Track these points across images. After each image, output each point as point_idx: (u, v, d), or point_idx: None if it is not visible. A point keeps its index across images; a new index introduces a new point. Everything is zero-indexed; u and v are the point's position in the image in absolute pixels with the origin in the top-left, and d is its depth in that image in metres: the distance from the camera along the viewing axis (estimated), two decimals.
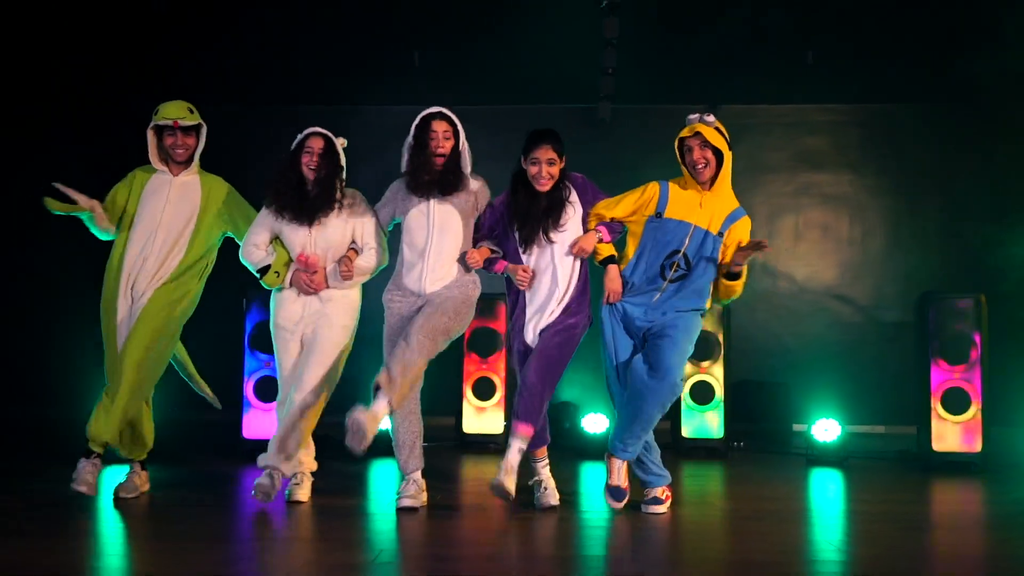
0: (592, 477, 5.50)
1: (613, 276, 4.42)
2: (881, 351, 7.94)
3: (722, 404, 6.25)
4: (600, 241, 4.43)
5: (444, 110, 4.51)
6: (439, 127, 4.46)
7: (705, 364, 6.26)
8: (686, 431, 6.31)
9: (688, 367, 6.29)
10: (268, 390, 5.82)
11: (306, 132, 4.58)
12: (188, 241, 4.64)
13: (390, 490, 4.90)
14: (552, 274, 4.44)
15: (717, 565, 3.61)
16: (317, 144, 4.51)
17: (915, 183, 8.17)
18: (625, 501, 4.39)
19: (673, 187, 4.39)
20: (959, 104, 8.01)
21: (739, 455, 6.38)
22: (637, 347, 4.41)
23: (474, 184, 4.55)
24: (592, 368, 7.58)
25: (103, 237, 4.71)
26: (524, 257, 4.49)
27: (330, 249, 4.53)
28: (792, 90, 8.04)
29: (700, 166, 4.26)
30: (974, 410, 5.71)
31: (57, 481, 4.73)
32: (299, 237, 4.53)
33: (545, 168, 4.38)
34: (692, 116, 4.30)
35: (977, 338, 5.75)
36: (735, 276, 4.32)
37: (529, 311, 4.48)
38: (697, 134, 4.24)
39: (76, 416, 6.15)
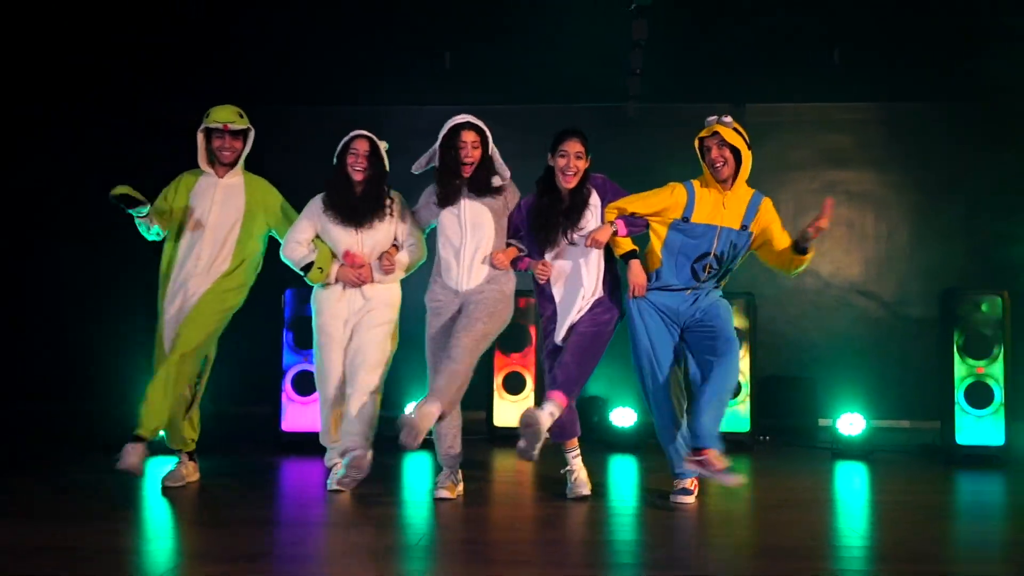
0: (621, 469, 5.63)
1: (636, 271, 4.57)
2: (905, 346, 8.02)
3: (749, 398, 6.35)
4: (616, 234, 4.53)
5: (471, 118, 4.61)
6: (468, 137, 4.59)
7: None
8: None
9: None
10: (305, 384, 5.97)
11: (351, 135, 4.72)
12: (235, 242, 4.82)
13: (424, 480, 5.06)
14: (577, 274, 4.58)
15: (745, 550, 3.75)
16: (362, 146, 4.69)
17: (938, 180, 8.22)
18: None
19: (698, 189, 4.55)
20: (981, 102, 8.08)
21: (765, 448, 6.48)
22: (674, 337, 4.57)
23: (505, 187, 4.70)
24: (620, 362, 7.69)
25: (150, 237, 4.87)
26: (547, 257, 4.62)
27: (376, 248, 4.71)
28: (817, 89, 8.12)
29: (719, 164, 4.44)
30: (997, 404, 5.80)
31: (104, 471, 4.92)
32: (346, 237, 4.69)
33: (573, 161, 4.53)
34: (711, 118, 4.50)
35: (1000, 333, 5.84)
36: (804, 251, 4.45)
37: (559, 312, 4.61)
38: (715, 134, 4.43)
39: (121, 409, 6.37)
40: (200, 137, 4.84)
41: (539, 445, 4.34)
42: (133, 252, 8.15)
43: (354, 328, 4.72)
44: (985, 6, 6.63)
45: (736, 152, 4.44)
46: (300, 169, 7.02)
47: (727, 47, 7.27)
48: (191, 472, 4.96)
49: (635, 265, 4.57)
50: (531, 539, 3.97)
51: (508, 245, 4.67)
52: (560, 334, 4.59)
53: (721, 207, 4.48)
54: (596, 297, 4.59)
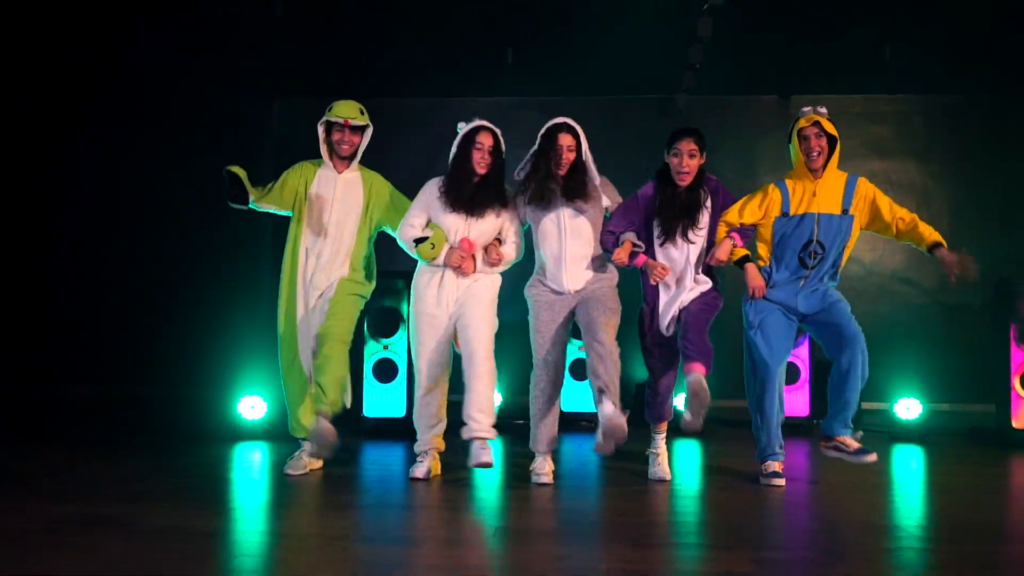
0: (685, 453, 5.85)
1: (754, 273, 4.76)
2: (949, 332, 8.23)
3: (808, 384, 6.57)
4: (734, 247, 4.73)
5: (569, 121, 4.76)
6: (564, 140, 4.72)
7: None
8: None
9: None
10: (386, 371, 6.19)
11: (474, 125, 4.77)
12: (355, 236, 4.98)
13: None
14: (684, 274, 4.75)
15: (809, 530, 3.98)
16: (488, 141, 4.74)
17: (977, 170, 8.44)
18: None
19: (790, 184, 4.76)
20: (1013, 94, 8.30)
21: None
22: (792, 327, 4.81)
23: (600, 184, 4.84)
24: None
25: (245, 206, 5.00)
26: (660, 252, 4.77)
27: (480, 238, 4.81)
28: (861, 81, 8.29)
29: (816, 153, 4.65)
30: None
31: (194, 455, 5.14)
32: (457, 224, 4.76)
33: (686, 160, 4.71)
34: (806, 108, 4.72)
35: None
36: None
37: (664, 306, 4.78)
38: (816, 123, 4.64)
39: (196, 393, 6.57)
40: (320, 129, 4.99)
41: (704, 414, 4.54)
42: (196, 241, 8.53)
43: (461, 311, 4.76)
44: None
45: (831, 141, 4.67)
46: (369, 156, 7.22)
47: (777, 41, 7.44)
48: (313, 461, 5.05)
49: (751, 269, 4.76)
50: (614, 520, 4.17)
51: (622, 239, 4.72)
52: (665, 323, 4.77)
53: (813, 196, 4.68)
54: (698, 293, 4.77)
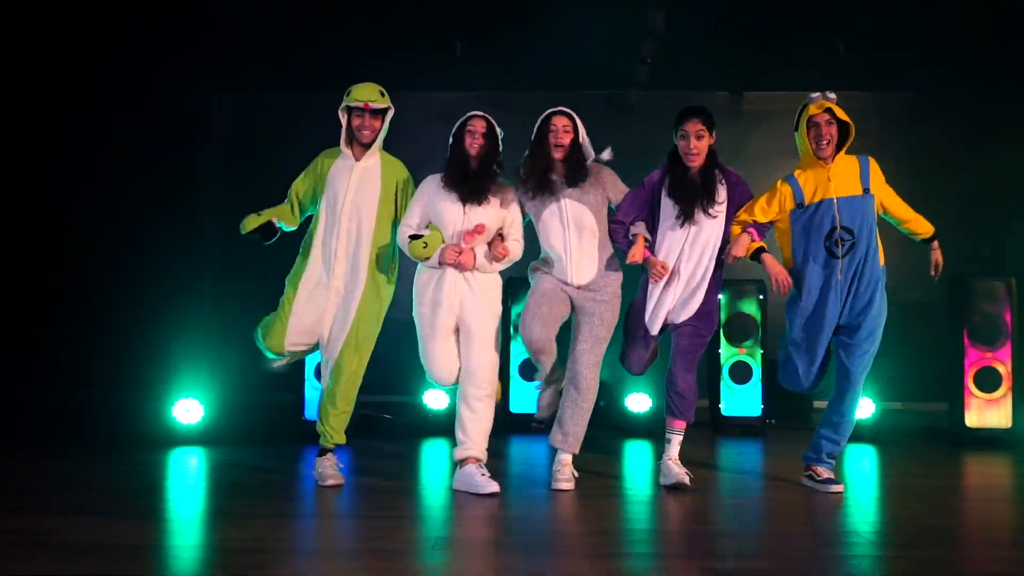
0: (637, 456, 5.72)
1: (771, 261, 4.54)
2: (905, 331, 8.16)
3: (760, 383, 6.47)
4: (752, 241, 4.59)
5: (564, 108, 4.72)
6: (559, 122, 4.66)
7: (745, 345, 6.48)
8: (725, 409, 6.54)
9: (727, 348, 6.52)
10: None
11: (469, 115, 4.73)
12: (374, 226, 4.66)
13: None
14: (695, 263, 4.64)
15: (758, 535, 3.85)
16: (480, 125, 4.66)
17: (933, 169, 8.40)
18: None
19: (800, 175, 4.57)
20: (973, 93, 8.27)
21: (774, 432, 6.60)
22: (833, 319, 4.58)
23: (599, 172, 4.73)
24: None
25: (289, 229, 4.81)
26: (678, 232, 4.63)
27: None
28: (813, 77, 8.22)
29: (826, 141, 4.46)
30: (1004, 388, 5.97)
31: (127, 462, 4.90)
32: (455, 214, 4.58)
33: (694, 141, 4.60)
34: (814, 95, 4.48)
35: (1008, 319, 6.01)
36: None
37: (667, 297, 4.68)
38: (828, 110, 4.45)
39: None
40: (342, 116, 4.71)
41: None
42: (132, 240, 8.24)
43: (462, 316, 4.61)
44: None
45: (840, 129, 4.51)
46: (319, 152, 6.97)
47: (729, 36, 7.35)
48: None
49: (768, 258, 4.55)
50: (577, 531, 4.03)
51: (633, 233, 4.66)
52: (657, 325, 4.71)
53: (827, 181, 4.49)
54: (705, 294, 4.67)
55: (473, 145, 4.64)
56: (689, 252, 4.63)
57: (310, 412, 5.99)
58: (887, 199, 4.60)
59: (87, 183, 8.36)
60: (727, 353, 6.52)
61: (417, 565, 3.40)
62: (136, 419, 6.52)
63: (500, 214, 4.65)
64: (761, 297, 6.54)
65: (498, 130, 4.72)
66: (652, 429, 6.37)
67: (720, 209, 4.63)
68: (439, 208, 4.61)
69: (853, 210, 4.46)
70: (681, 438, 4.76)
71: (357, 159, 4.70)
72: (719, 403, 6.55)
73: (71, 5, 6.71)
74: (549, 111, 4.71)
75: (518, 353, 6.52)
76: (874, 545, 3.68)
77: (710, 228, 4.63)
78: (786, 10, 6.83)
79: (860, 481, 5.04)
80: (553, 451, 4.76)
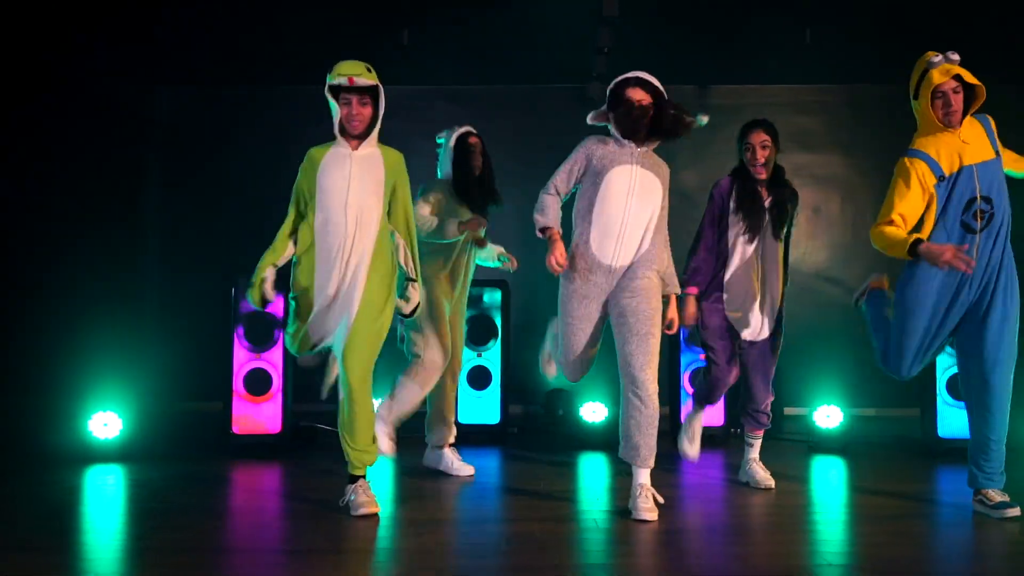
0: (592, 468, 5.37)
1: (935, 248, 3.97)
2: None
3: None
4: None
5: (643, 75, 4.22)
6: (635, 96, 4.17)
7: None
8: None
9: (688, 356, 6.18)
10: (258, 384, 5.61)
11: (463, 131, 4.96)
12: (378, 221, 4.21)
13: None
14: (771, 276, 4.64)
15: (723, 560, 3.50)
16: (478, 143, 4.97)
17: None
18: None
19: (930, 148, 4.10)
20: None
21: (738, 442, 6.26)
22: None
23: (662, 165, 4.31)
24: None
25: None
26: (749, 247, 4.57)
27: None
28: (783, 71, 7.92)
29: (955, 110, 4.03)
30: None
31: (38, 482, 4.52)
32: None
33: (759, 152, 4.61)
34: (936, 58, 4.01)
35: None
36: None
37: (757, 303, 4.66)
38: (956, 77, 4.00)
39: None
40: (331, 99, 4.20)
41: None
42: (55, 241, 7.83)
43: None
44: None
45: (966, 94, 4.07)
46: (267, 148, 6.63)
47: (692, 27, 7.03)
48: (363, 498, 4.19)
49: (927, 247, 4.00)
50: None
51: (686, 289, 4.59)
52: (753, 330, 4.71)
53: (962, 145, 4.05)
54: (781, 306, 4.77)
55: (478, 164, 4.93)
56: (760, 268, 4.64)
57: (239, 424, 5.58)
58: (1007, 156, 4.15)
59: (20, 177, 7.94)
60: (686, 360, 6.18)
61: None
62: (50, 433, 5.99)
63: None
64: None
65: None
66: (609, 441, 6.02)
67: (784, 237, 4.68)
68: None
69: (992, 177, 4.02)
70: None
71: (353, 149, 4.22)
72: (680, 413, 6.20)
73: None
74: (622, 80, 4.21)
75: (467, 359, 6.16)
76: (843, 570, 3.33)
77: (781, 243, 4.67)
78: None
79: (826, 499, 4.67)
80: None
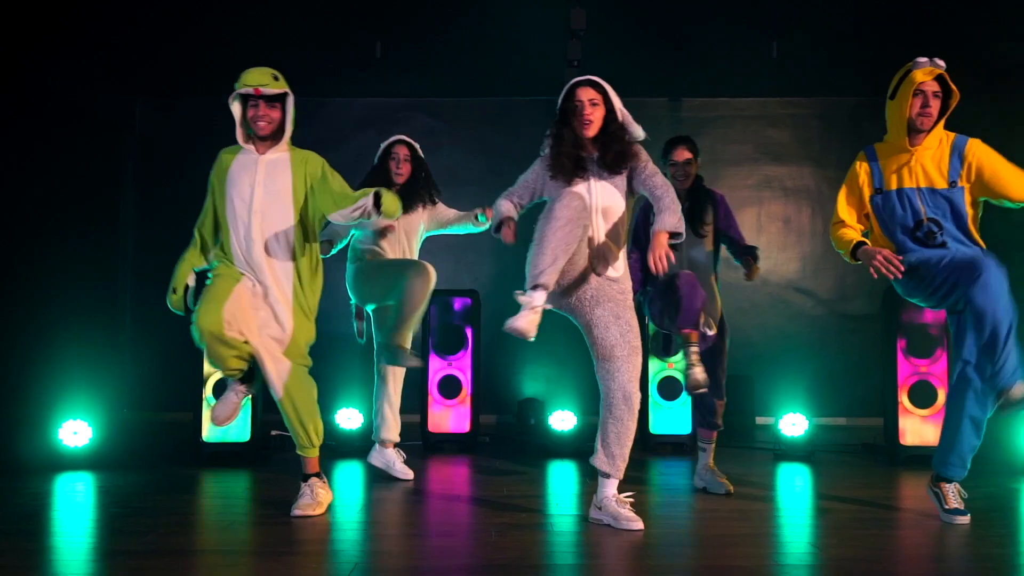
0: (561, 476, 5.42)
1: (869, 250, 4.00)
2: (844, 343, 7.99)
3: (690, 400, 6.20)
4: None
5: (592, 77, 4.10)
6: (584, 95, 4.05)
7: (672, 360, 6.21)
8: (654, 427, 6.26)
9: (655, 363, 6.25)
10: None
11: (392, 140, 5.17)
12: (292, 227, 4.16)
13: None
14: (704, 272, 4.78)
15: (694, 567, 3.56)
16: (403, 151, 5.14)
17: None
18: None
19: (882, 155, 4.09)
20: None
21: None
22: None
23: (637, 150, 4.14)
24: (557, 363, 7.56)
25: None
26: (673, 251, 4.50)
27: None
28: (753, 84, 8.02)
29: (929, 116, 3.94)
30: (940, 403, 5.73)
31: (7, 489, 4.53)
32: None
33: (683, 167, 4.82)
34: (922, 60, 3.91)
35: (940, 333, 5.77)
36: None
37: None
38: (939, 78, 3.91)
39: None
40: (235, 108, 4.13)
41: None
42: (30, 248, 7.85)
43: None
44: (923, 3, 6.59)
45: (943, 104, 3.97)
46: None
47: (664, 40, 7.13)
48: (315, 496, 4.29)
49: (863, 250, 4.04)
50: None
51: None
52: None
53: (914, 165, 4.00)
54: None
55: (398, 171, 5.12)
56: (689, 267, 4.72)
57: (209, 433, 5.61)
58: (1000, 179, 3.96)
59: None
60: (654, 369, 6.25)
61: None
62: (17, 441, 5.97)
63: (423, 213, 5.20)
64: None
65: (419, 151, 5.20)
66: (579, 449, 6.09)
67: (708, 229, 4.82)
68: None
69: (941, 205, 3.98)
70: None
71: (261, 154, 4.17)
72: (648, 421, 6.26)
73: None
74: (572, 83, 4.10)
75: (437, 368, 6.22)
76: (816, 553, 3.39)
77: (705, 238, 4.81)
78: (713, 10, 6.62)
79: (791, 510, 4.73)
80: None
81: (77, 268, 7.38)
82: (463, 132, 8.16)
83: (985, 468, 5.02)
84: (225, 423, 4.26)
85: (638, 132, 4.14)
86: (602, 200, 4.05)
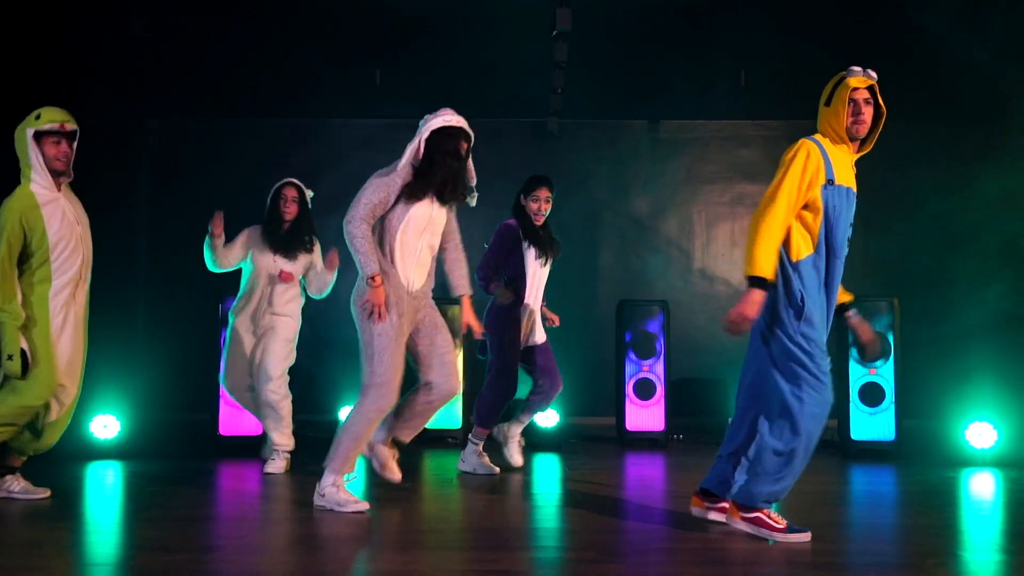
0: (544, 467, 5.97)
1: (758, 300, 3.82)
2: None
3: (664, 399, 6.76)
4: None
5: (464, 126, 4.52)
6: (465, 147, 4.51)
7: (648, 362, 6.76)
8: (631, 425, 6.81)
9: (632, 365, 6.80)
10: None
11: (281, 183, 5.64)
12: (91, 255, 4.62)
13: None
14: (540, 294, 5.67)
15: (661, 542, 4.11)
16: (291, 193, 5.62)
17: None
18: None
19: (826, 144, 3.96)
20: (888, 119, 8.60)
21: (678, 446, 6.88)
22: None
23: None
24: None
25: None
26: (537, 266, 5.55)
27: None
28: (725, 108, 8.58)
29: (863, 123, 3.90)
30: (888, 403, 6.29)
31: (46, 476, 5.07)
32: (267, 263, 5.66)
33: (543, 205, 5.50)
34: (855, 68, 3.90)
35: (892, 338, 6.33)
36: None
37: (525, 321, 5.58)
38: (871, 87, 3.90)
39: None
40: (31, 145, 4.38)
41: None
42: None
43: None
44: (883, 29, 7.14)
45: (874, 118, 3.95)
46: (249, 175, 7.17)
47: (642, 70, 7.71)
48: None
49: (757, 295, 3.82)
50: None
51: (496, 289, 5.44)
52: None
53: (850, 167, 3.99)
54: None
55: (287, 211, 5.60)
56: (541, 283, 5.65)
57: (225, 427, 6.19)
58: None
59: None
60: (631, 370, 6.79)
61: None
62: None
63: (307, 259, 5.70)
64: (663, 314, 6.82)
65: (308, 194, 5.70)
66: (560, 443, 6.65)
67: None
68: (257, 257, 5.63)
69: (853, 210, 4.02)
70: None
71: (59, 190, 4.46)
72: (625, 419, 6.81)
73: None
74: (453, 125, 4.49)
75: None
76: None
77: (545, 269, 5.66)
78: (682, 39, 7.20)
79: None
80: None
81: (100, 279, 7.91)
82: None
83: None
84: None
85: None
86: (436, 217, 4.57)
